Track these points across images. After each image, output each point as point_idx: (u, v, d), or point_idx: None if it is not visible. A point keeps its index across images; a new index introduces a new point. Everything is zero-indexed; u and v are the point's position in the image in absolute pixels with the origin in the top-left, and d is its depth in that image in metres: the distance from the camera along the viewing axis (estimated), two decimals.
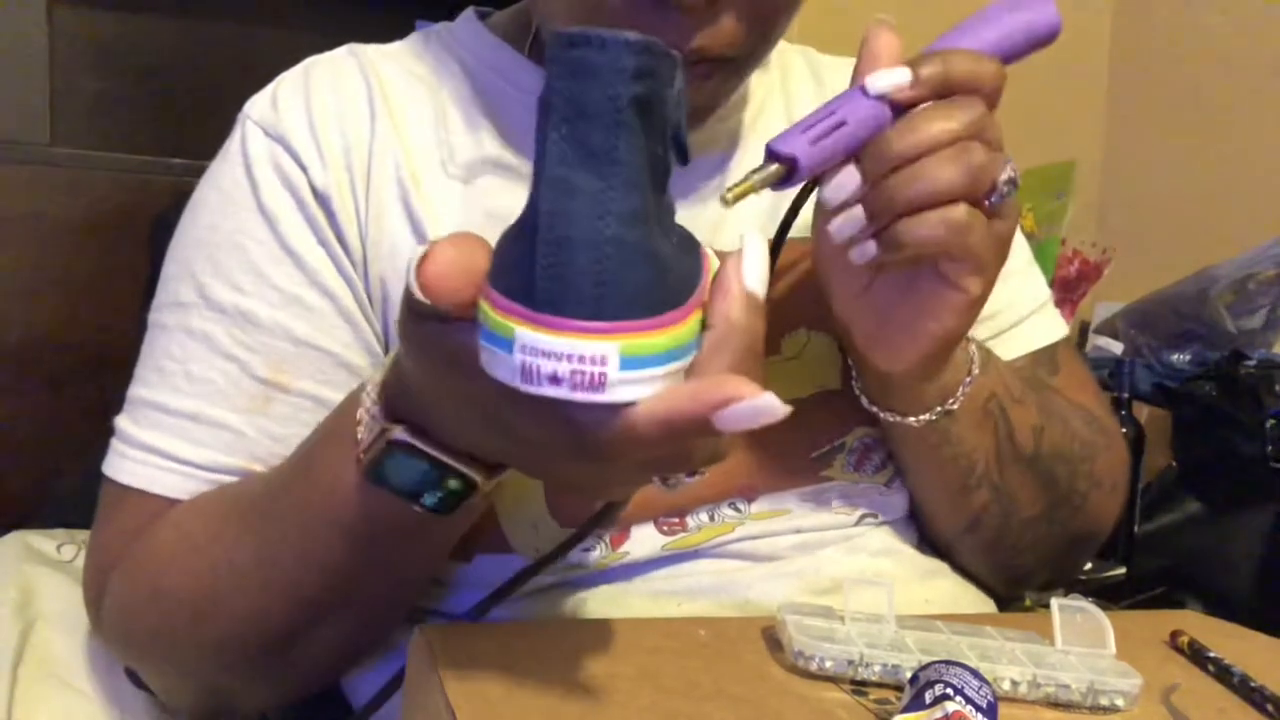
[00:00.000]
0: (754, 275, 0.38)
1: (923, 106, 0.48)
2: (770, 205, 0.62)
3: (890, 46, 0.49)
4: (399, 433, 0.44)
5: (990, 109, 0.48)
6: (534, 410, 0.35)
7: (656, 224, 0.35)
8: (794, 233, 0.59)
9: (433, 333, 0.38)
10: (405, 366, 0.43)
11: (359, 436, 0.47)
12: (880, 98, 0.47)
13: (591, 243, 0.33)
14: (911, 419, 0.58)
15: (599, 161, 0.33)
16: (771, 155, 0.47)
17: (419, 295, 0.37)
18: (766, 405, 0.34)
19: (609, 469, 0.38)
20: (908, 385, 0.57)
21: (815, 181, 0.51)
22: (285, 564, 0.52)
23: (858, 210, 0.48)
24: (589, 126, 0.33)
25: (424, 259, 0.36)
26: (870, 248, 0.49)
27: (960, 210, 0.47)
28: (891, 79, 0.47)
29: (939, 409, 0.58)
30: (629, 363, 0.34)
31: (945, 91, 0.47)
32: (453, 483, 0.45)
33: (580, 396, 0.34)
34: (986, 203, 0.48)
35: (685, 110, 0.36)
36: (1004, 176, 0.48)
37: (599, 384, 0.34)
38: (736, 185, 0.46)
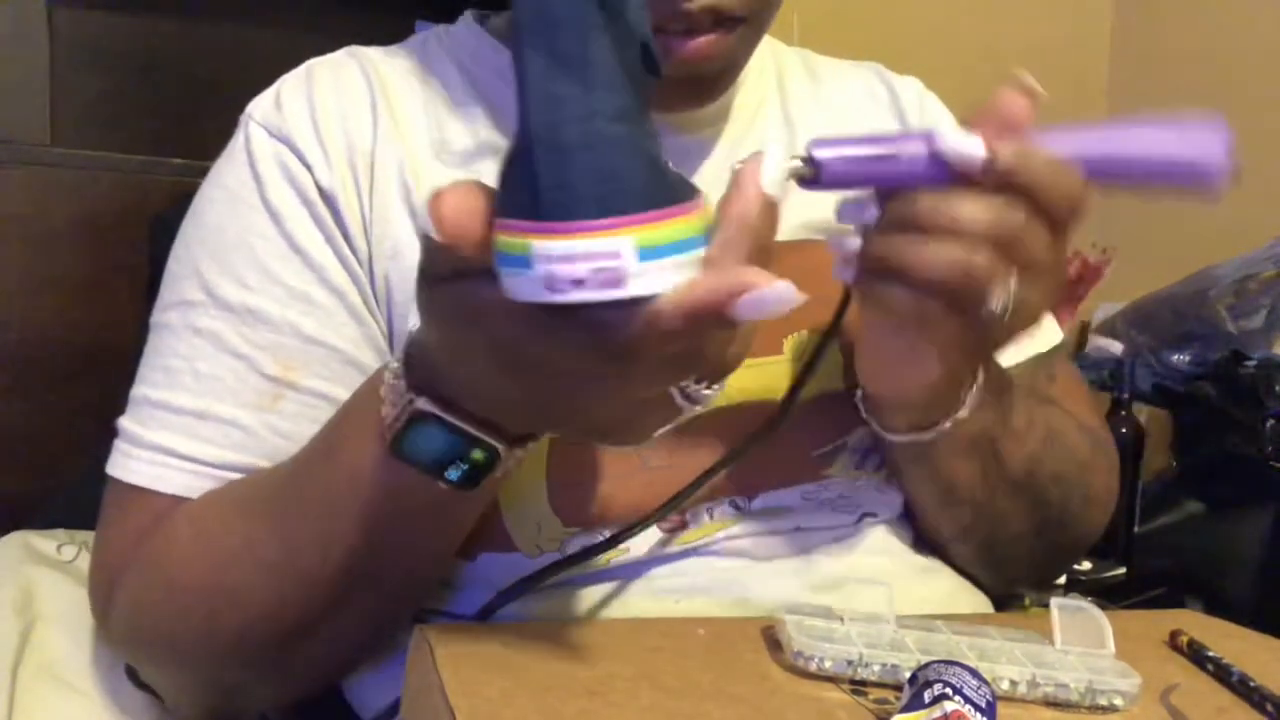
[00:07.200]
0: (771, 179, 0.38)
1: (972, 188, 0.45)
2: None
3: (1018, 113, 0.45)
4: (424, 403, 0.44)
5: (1050, 223, 0.45)
6: (561, 329, 0.36)
7: (645, 127, 0.36)
8: (792, 234, 0.59)
9: (452, 293, 0.39)
10: (427, 339, 0.44)
11: (383, 413, 0.47)
12: (940, 156, 0.45)
13: (586, 144, 0.34)
14: (890, 435, 0.60)
15: (576, 66, 0.35)
16: (809, 154, 0.46)
17: (439, 239, 0.37)
18: (782, 293, 0.35)
19: (633, 373, 0.38)
20: (887, 407, 0.59)
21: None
22: (306, 550, 0.52)
23: (855, 239, 0.48)
24: (560, 33, 0.35)
25: (436, 202, 0.37)
26: (847, 273, 0.49)
27: (933, 306, 0.45)
28: (964, 150, 0.44)
29: (911, 436, 0.59)
30: (644, 253, 0.35)
31: (1006, 185, 0.45)
32: (477, 454, 0.45)
33: (605, 295, 0.35)
34: (971, 310, 0.45)
35: (648, 22, 0.37)
36: (993, 303, 0.45)
37: (620, 279, 0.35)
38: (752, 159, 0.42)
